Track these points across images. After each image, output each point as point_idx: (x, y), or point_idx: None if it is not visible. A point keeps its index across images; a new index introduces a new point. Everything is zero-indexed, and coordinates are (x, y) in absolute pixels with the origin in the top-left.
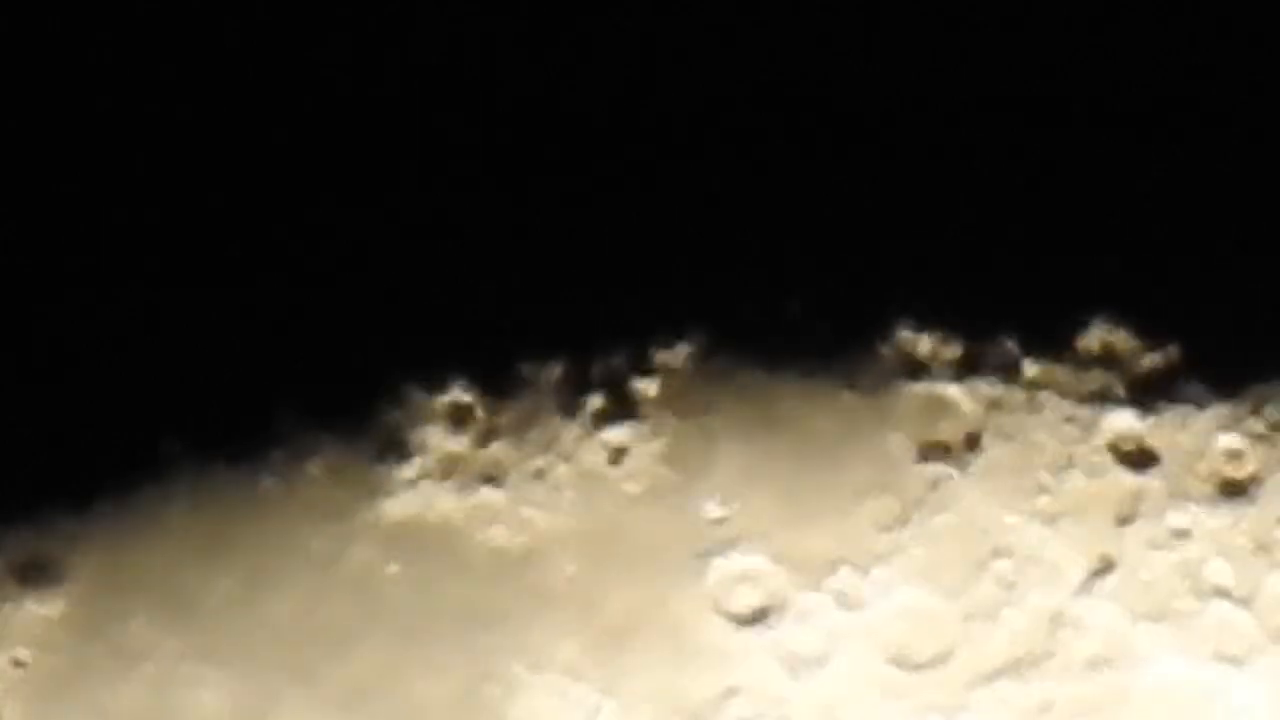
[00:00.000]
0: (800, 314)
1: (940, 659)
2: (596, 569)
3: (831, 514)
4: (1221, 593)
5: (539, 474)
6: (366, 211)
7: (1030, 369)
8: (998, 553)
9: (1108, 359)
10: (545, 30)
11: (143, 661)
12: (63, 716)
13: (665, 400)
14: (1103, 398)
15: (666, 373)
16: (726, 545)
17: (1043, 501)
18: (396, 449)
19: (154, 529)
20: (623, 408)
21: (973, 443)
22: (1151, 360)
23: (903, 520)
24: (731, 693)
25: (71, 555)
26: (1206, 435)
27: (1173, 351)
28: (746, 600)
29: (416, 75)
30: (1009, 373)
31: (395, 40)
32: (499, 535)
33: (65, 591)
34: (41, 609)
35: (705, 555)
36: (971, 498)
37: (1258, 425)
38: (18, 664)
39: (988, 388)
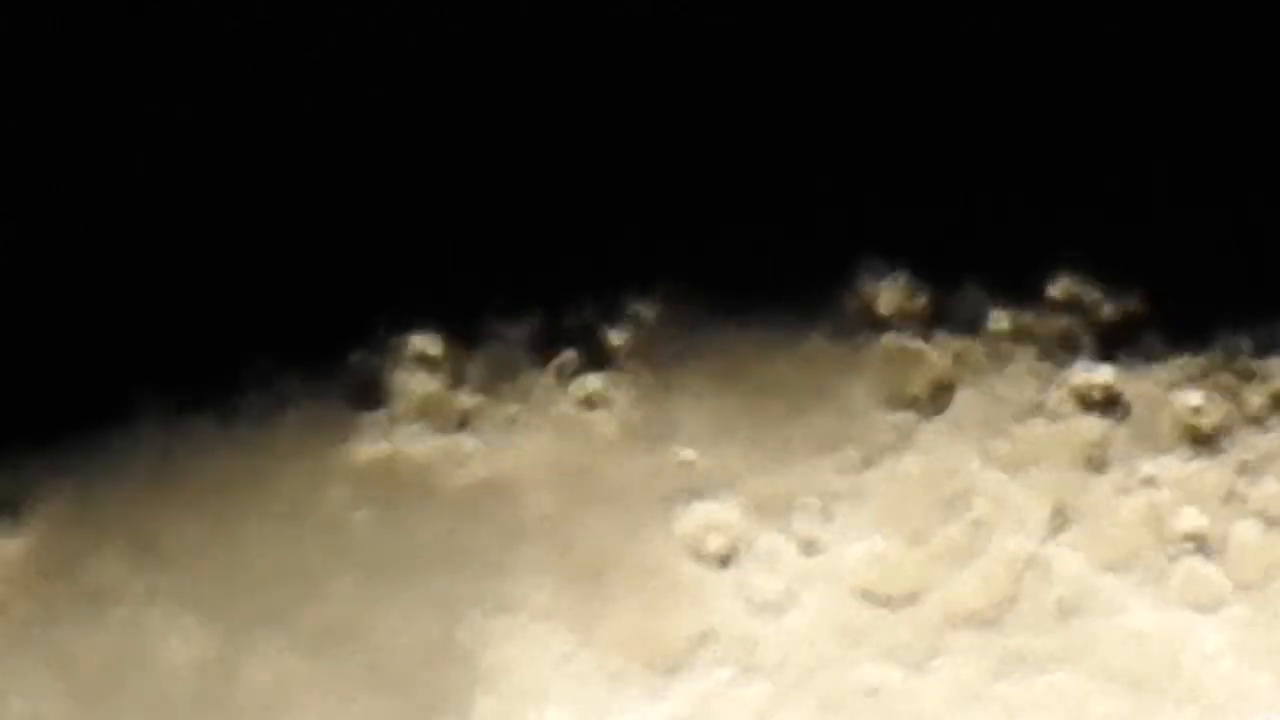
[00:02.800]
0: (767, 265)
1: (907, 605)
2: (567, 512)
3: (798, 461)
4: (1189, 541)
5: (510, 419)
6: (338, 159)
7: (997, 319)
8: (963, 500)
9: (1075, 309)
10: None
11: (110, 604)
12: (29, 659)
13: (634, 350)
14: (1070, 347)
15: (635, 323)
16: (695, 491)
17: (1009, 449)
18: (368, 394)
19: (123, 471)
20: (593, 358)
21: (939, 392)
22: (1119, 310)
23: (869, 467)
24: (703, 635)
25: (38, 497)
26: (1174, 385)
27: (1140, 302)
28: (715, 544)
29: (384, 29)
30: (976, 323)
31: None
32: (471, 478)
33: (31, 533)
34: (6, 550)
35: (674, 500)
36: (937, 445)
37: (1225, 376)
38: None
39: (954, 338)
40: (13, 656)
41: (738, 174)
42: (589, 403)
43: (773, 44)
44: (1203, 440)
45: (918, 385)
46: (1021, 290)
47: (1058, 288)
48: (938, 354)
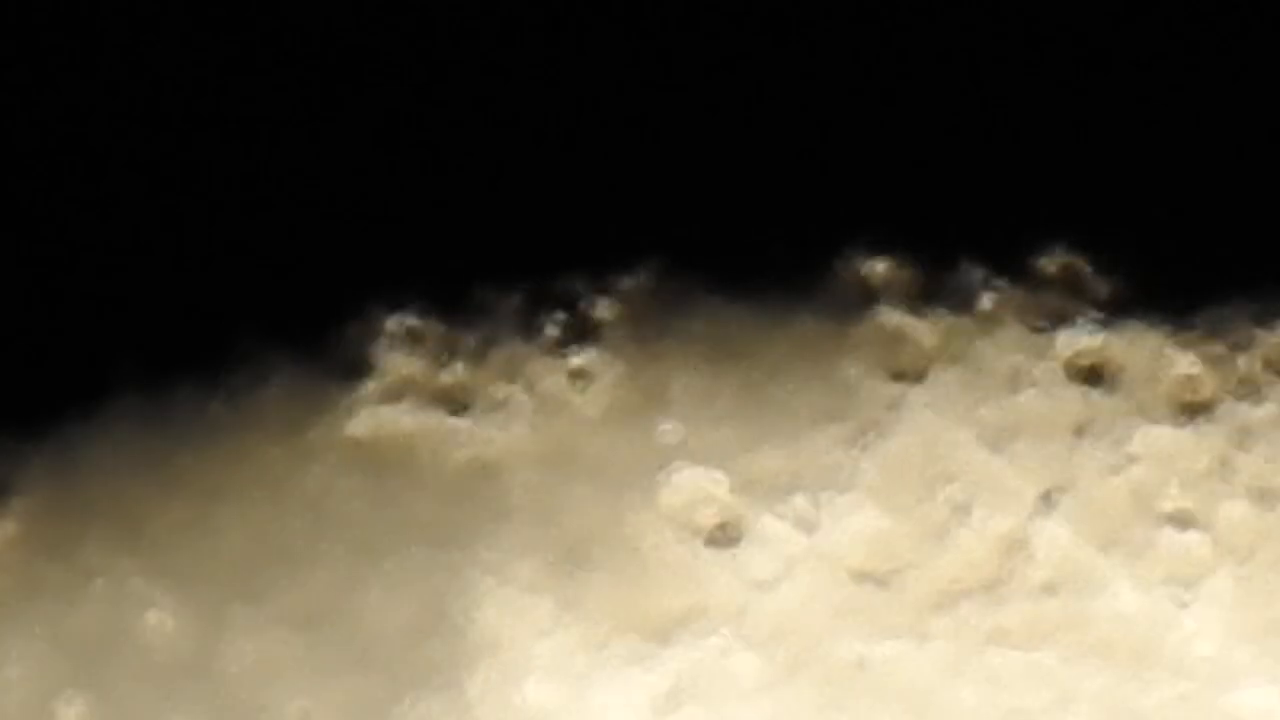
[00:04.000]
0: (757, 240)
1: (896, 581)
2: (554, 488)
3: (787, 437)
4: (1176, 517)
5: (497, 394)
6: (325, 135)
7: (987, 292)
8: (952, 476)
9: (1065, 281)
10: None
11: (95, 581)
12: (13, 636)
13: (622, 324)
14: (1060, 320)
15: (623, 298)
16: (684, 466)
17: (998, 424)
18: (354, 370)
19: (107, 448)
20: (580, 332)
21: (929, 366)
22: (1109, 283)
23: (858, 443)
24: (689, 610)
25: (23, 475)
26: (1163, 358)
27: (1130, 274)
28: (704, 520)
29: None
30: (966, 296)
31: None
32: (457, 454)
33: (16, 511)
34: None
35: (663, 475)
36: (927, 421)
37: (1216, 348)
38: None
39: (944, 311)
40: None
41: (729, 149)
42: (576, 378)
43: (762, 19)
44: (1192, 413)
45: (908, 360)
46: (1012, 263)
47: (1049, 261)
48: (929, 329)
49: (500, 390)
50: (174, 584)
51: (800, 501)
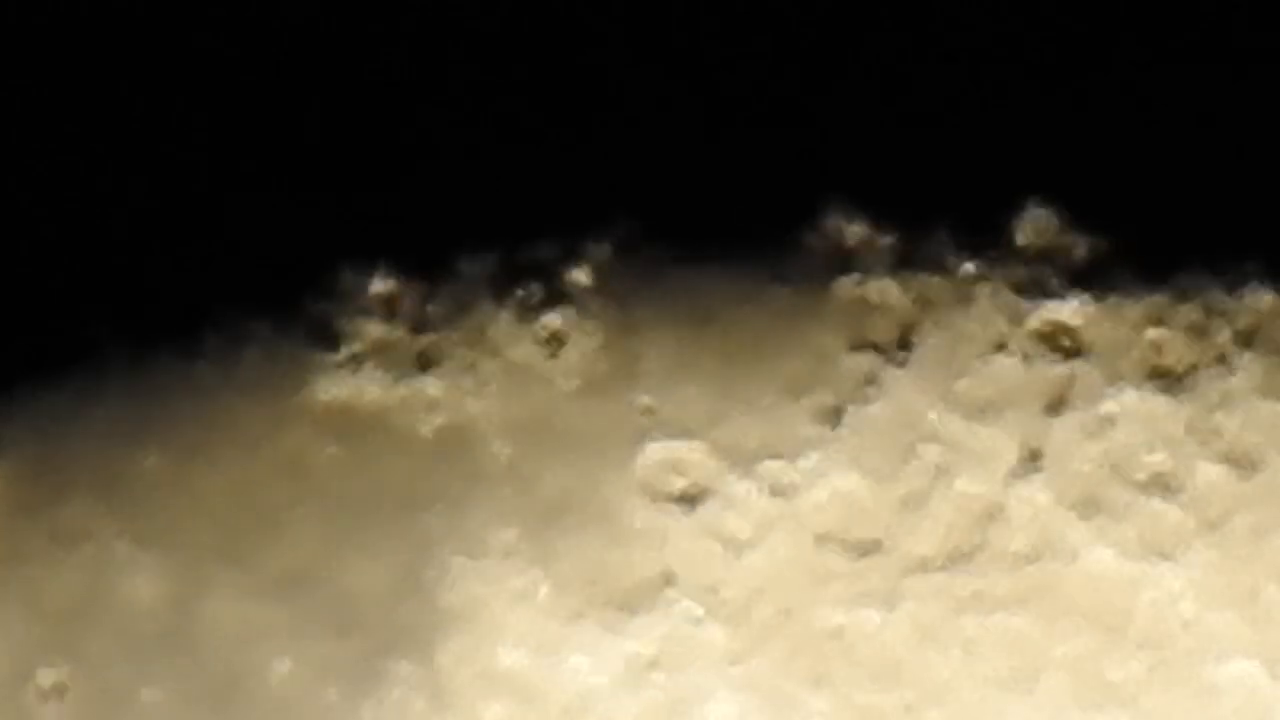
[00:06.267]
0: (731, 207)
1: (871, 549)
2: (529, 455)
3: (762, 405)
4: (1153, 483)
5: (471, 361)
6: (295, 101)
7: (962, 259)
8: (928, 443)
9: (1040, 248)
10: None
11: (78, 544)
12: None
13: (596, 292)
14: (1035, 287)
15: (597, 265)
16: (658, 434)
17: (974, 391)
18: (329, 335)
19: (87, 414)
20: (554, 299)
21: (905, 334)
22: (1084, 249)
23: (834, 410)
24: (664, 577)
25: (2, 439)
26: (1139, 325)
27: (1106, 241)
28: (678, 486)
29: None
30: (940, 263)
31: None
32: (431, 420)
33: None
34: None
35: (637, 443)
36: (904, 388)
37: (1192, 314)
38: None
39: (919, 279)
40: None
41: (702, 115)
42: (550, 345)
43: None
44: (1168, 379)
45: (883, 328)
46: (987, 231)
47: (1024, 228)
48: (903, 296)
49: (473, 357)
50: (153, 548)
51: (775, 469)
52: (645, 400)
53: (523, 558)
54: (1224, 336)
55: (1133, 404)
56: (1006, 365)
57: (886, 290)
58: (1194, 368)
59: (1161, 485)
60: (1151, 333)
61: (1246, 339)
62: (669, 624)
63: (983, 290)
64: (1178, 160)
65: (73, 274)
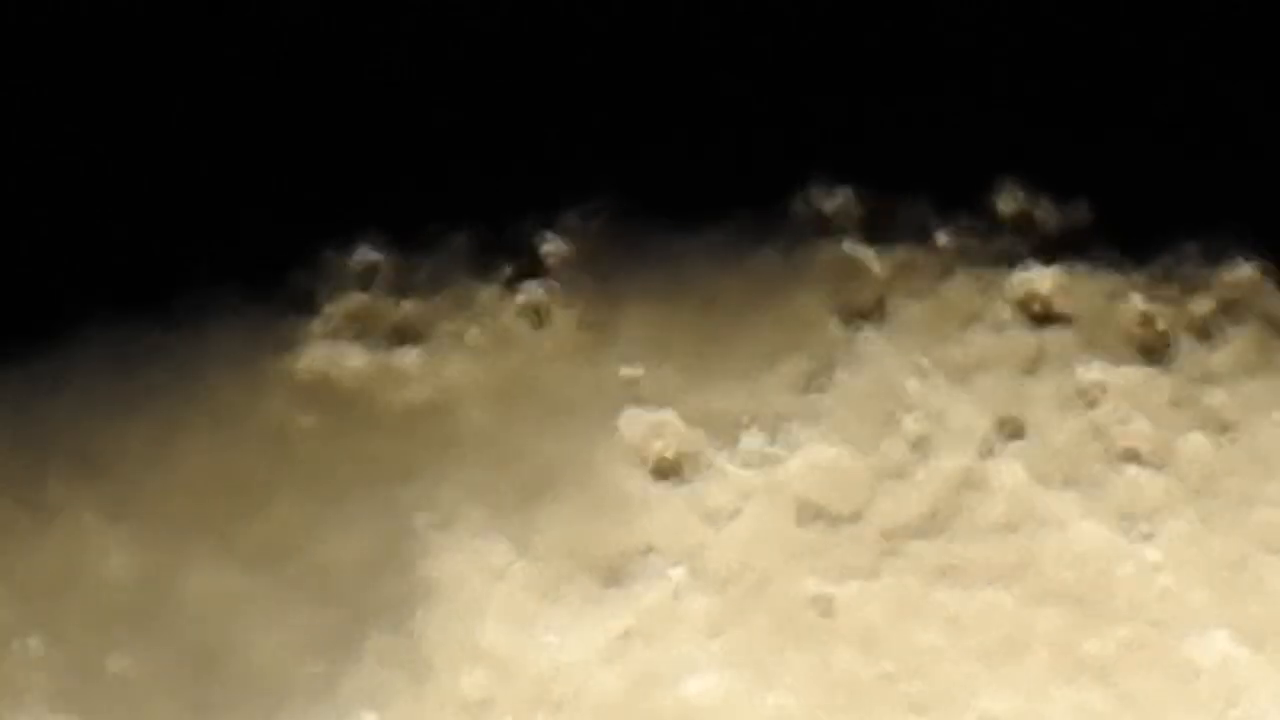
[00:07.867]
0: (712, 177)
1: (852, 519)
2: (508, 426)
3: (742, 374)
4: (1132, 455)
5: (451, 332)
6: (281, 75)
7: (941, 228)
8: (908, 412)
9: (1019, 219)
10: None
11: (56, 518)
12: None
13: (575, 262)
14: (1014, 257)
15: (576, 235)
16: (639, 403)
17: (954, 361)
18: (307, 306)
19: (64, 383)
20: (533, 269)
21: (883, 302)
22: (1063, 220)
23: (814, 379)
24: (643, 546)
25: None
26: (1118, 296)
27: (1084, 212)
28: (659, 457)
29: None
30: (920, 232)
31: None
32: (412, 390)
33: None
34: None
35: (618, 412)
36: (883, 358)
37: (1169, 287)
38: None
39: (898, 247)
40: None
41: (683, 86)
42: (529, 315)
43: None
44: (1147, 350)
45: (863, 297)
46: (966, 201)
47: (1003, 198)
48: (883, 265)
49: (453, 327)
50: (131, 519)
51: (755, 438)
52: (625, 371)
53: (502, 530)
54: (1200, 308)
55: (1112, 375)
56: (986, 335)
57: (866, 260)
58: (1172, 339)
59: (1142, 456)
60: (1128, 303)
61: (1222, 310)
62: (649, 595)
63: (960, 259)
64: (1157, 132)
65: (49, 249)
